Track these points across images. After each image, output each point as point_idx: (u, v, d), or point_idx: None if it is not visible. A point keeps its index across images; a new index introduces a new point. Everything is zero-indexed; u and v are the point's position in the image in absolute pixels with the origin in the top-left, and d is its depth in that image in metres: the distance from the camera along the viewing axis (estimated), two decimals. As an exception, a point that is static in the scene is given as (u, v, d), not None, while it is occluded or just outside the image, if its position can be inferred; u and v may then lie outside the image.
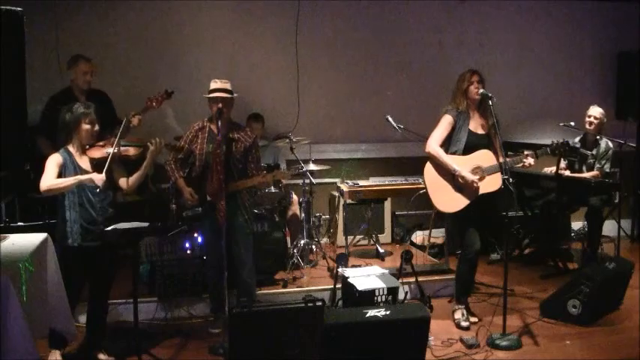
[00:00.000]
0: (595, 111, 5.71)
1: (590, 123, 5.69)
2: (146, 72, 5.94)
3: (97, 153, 3.73)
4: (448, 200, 4.31)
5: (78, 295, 3.81)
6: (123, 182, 3.87)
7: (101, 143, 3.78)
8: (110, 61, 5.94)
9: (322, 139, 6.44)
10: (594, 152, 5.70)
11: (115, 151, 3.72)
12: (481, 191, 4.26)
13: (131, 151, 3.83)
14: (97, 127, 3.74)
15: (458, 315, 4.50)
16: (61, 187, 3.58)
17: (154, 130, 5.87)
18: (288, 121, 6.27)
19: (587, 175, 5.67)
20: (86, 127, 3.68)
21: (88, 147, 3.74)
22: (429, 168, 4.35)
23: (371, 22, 6.66)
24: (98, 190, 3.67)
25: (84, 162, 3.72)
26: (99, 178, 3.59)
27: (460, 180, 4.25)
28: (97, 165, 3.70)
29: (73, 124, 3.68)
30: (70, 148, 3.71)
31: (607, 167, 5.66)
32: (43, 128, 4.68)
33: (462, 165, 4.26)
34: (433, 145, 4.31)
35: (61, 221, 3.70)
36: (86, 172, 3.68)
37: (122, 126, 4.02)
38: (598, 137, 5.69)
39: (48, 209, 4.53)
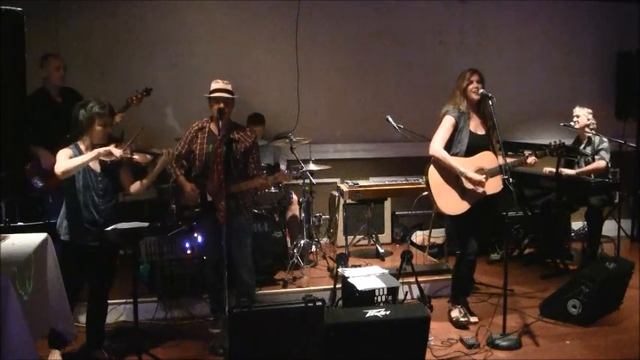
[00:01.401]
0: (576, 110, 5.83)
1: (575, 122, 5.79)
2: (146, 72, 5.94)
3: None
4: (452, 203, 4.30)
5: (77, 295, 3.81)
6: (129, 187, 3.87)
7: (112, 145, 3.76)
8: (110, 61, 5.95)
9: (322, 139, 6.44)
10: (589, 150, 5.73)
11: (126, 155, 3.69)
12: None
13: (140, 157, 3.81)
14: (109, 129, 3.73)
15: (455, 313, 4.49)
16: (79, 164, 3.52)
17: (154, 129, 5.91)
18: (288, 121, 6.27)
19: (589, 167, 5.67)
20: (99, 128, 3.66)
21: (98, 147, 3.69)
22: (432, 170, 4.33)
23: (371, 23, 6.66)
24: (101, 187, 3.68)
25: (93, 162, 3.70)
26: (117, 150, 3.56)
27: (465, 182, 4.24)
28: (106, 167, 3.70)
29: (85, 123, 3.64)
30: (81, 146, 3.68)
31: (606, 156, 5.67)
32: None
33: (466, 167, 4.25)
34: (437, 147, 4.28)
35: (63, 218, 3.70)
36: (94, 172, 3.69)
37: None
38: (590, 136, 5.73)
39: (48, 209, 4.54)
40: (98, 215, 3.70)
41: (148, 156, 3.85)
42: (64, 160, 3.53)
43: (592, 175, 5.68)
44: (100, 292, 3.91)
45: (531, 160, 4.37)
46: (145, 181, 3.88)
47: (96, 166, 3.71)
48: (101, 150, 3.56)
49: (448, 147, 4.33)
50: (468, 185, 4.24)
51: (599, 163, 5.64)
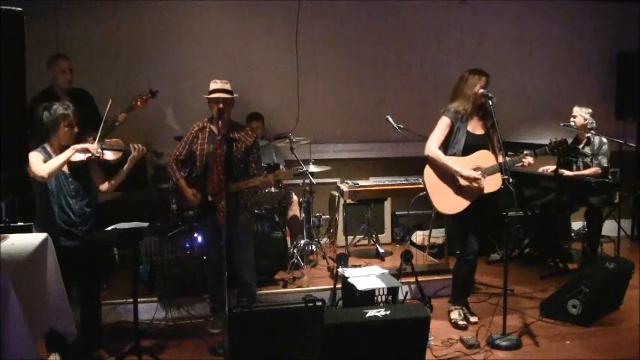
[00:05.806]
0: (575, 110, 5.81)
1: (572, 122, 5.77)
2: (146, 72, 5.94)
3: (75, 156, 3.65)
4: (449, 202, 4.30)
5: (69, 296, 3.76)
6: (101, 186, 3.84)
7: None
8: (110, 61, 5.95)
9: (322, 139, 6.45)
10: (588, 150, 5.72)
11: (97, 155, 3.66)
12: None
13: (110, 155, 3.77)
14: (76, 129, 3.67)
15: (455, 315, 4.49)
16: (61, 163, 3.53)
17: (153, 130, 5.92)
18: (288, 121, 6.27)
19: (586, 172, 5.67)
20: (65, 129, 3.62)
21: (65, 148, 3.64)
22: (428, 170, 4.33)
23: (371, 22, 6.66)
24: (72, 187, 3.67)
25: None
26: (94, 147, 3.58)
27: (461, 180, 4.24)
28: (75, 168, 3.66)
29: (50, 126, 3.61)
30: (48, 148, 3.64)
31: (604, 162, 5.66)
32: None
33: (462, 166, 4.24)
34: (432, 147, 4.28)
35: (40, 222, 3.69)
36: (64, 173, 3.66)
37: (106, 124, 3.97)
38: (589, 135, 5.71)
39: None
40: (74, 216, 3.69)
41: (119, 153, 3.81)
42: (43, 163, 3.53)
43: (590, 176, 5.68)
44: (88, 293, 3.87)
45: (527, 161, 4.33)
46: (114, 181, 3.85)
47: (65, 167, 3.66)
48: (78, 147, 3.58)
49: (445, 147, 4.32)
50: (464, 183, 4.24)
51: (596, 170, 5.63)
